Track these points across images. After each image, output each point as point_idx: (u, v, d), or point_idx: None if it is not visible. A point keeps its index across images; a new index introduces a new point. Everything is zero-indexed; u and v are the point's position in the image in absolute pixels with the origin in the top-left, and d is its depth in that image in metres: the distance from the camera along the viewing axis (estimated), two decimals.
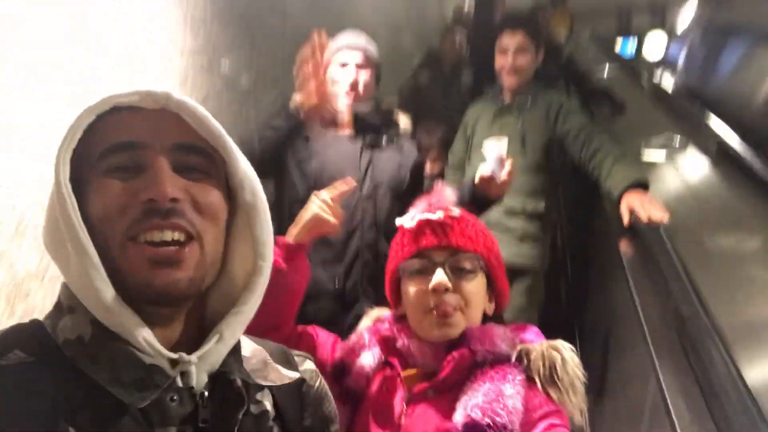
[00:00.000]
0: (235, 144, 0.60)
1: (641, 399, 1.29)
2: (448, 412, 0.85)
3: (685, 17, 5.48)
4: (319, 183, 1.47)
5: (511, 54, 2.03)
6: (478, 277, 0.94)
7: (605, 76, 3.93)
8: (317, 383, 0.72)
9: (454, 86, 3.70)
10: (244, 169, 0.60)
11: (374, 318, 1.09)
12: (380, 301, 1.27)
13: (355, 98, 1.67)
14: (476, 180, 1.52)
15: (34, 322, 0.56)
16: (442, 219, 0.95)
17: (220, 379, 0.57)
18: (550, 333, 0.95)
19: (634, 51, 5.97)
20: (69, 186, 0.52)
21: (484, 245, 0.96)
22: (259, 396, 0.62)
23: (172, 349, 0.54)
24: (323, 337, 1.07)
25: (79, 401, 0.49)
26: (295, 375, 0.65)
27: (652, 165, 2.15)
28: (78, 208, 0.53)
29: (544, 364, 0.84)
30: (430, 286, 0.90)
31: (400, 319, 1.01)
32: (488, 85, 2.34)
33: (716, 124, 2.24)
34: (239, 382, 0.59)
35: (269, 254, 0.62)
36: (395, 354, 0.97)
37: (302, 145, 1.63)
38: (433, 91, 3.62)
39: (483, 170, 1.48)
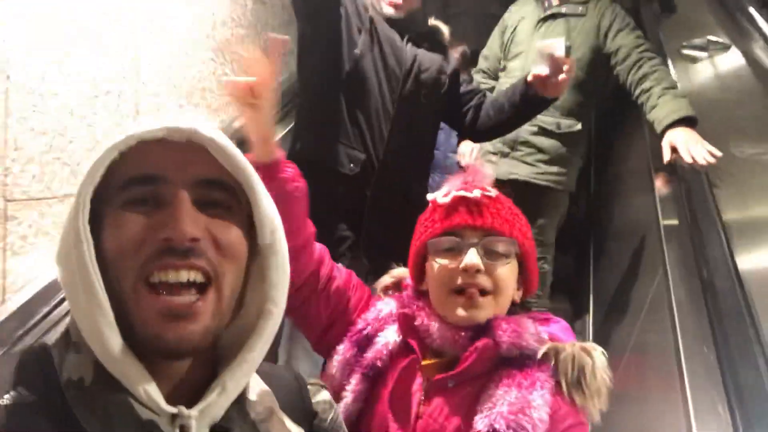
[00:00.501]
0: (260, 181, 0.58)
1: (644, 293, 1.41)
2: (468, 408, 0.83)
3: None
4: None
5: None
6: (510, 263, 0.90)
7: None
8: (330, 416, 0.69)
9: None
10: (267, 207, 0.58)
11: (396, 278, 1.05)
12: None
13: (401, 1, 1.60)
14: (529, 78, 1.48)
15: (46, 351, 0.54)
16: (479, 198, 0.90)
17: None
18: (565, 247, 0.98)
19: None
20: (87, 227, 0.51)
21: (520, 230, 0.92)
22: None
23: (175, 395, 0.52)
24: (357, 285, 1.05)
25: None
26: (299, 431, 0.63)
27: (690, 65, 2.06)
28: (93, 241, 0.51)
29: (572, 367, 0.81)
30: (462, 265, 0.86)
31: (421, 296, 0.97)
32: None
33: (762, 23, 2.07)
34: None
35: (282, 299, 0.59)
36: (413, 334, 0.92)
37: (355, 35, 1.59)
38: None
39: (538, 69, 1.43)
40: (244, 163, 0.55)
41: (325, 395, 0.70)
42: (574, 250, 2.61)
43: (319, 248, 1.03)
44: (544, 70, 1.42)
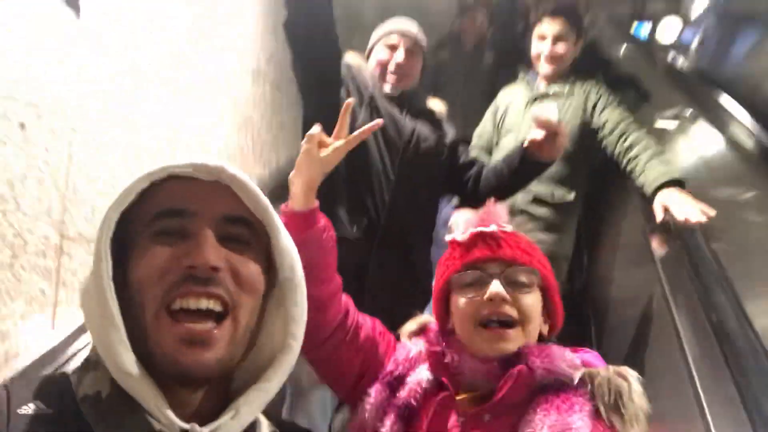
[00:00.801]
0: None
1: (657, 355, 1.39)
2: None
3: (699, 4, 5.53)
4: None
5: (550, 41, 2.03)
6: (534, 292, 0.92)
7: (621, 55, 3.96)
8: None
9: (476, 67, 3.71)
10: (286, 244, 0.61)
11: (420, 324, 1.05)
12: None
13: (399, 80, 1.76)
14: (525, 143, 1.59)
15: (64, 376, 0.57)
16: (496, 232, 0.94)
17: None
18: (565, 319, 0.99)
19: (648, 34, 5.98)
20: (108, 245, 0.54)
21: (540, 261, 0.95)
22: None
23: (190, 418, 0.54)
24: (383, 332, 1.07)
25: None
26: None
27: (664, 134, 2.25)
28: (122, 271, 0.55)
29: (609, 392, 0.81)
30: (486, 295, 0.88)
31: (448, 334, 0.98)
32: (511, 68, 2.35)
33: (727, 101, 2.30)
34: None
35: (300, 333, 0.62)
36: (444, 371, 0.92)
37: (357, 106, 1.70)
38: (453, 72, 3.63)
39: (534, 134, 1.54)
40: (265, 202, 0.59)
41: None
42: (574, 320, 2.63)
43: (345, 298, 1.05)
44: (539, 133, 1.55)
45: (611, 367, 0.86)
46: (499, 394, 0.84)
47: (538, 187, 2.05)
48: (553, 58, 2.04)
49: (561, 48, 2.03)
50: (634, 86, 2.93)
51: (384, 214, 1.69)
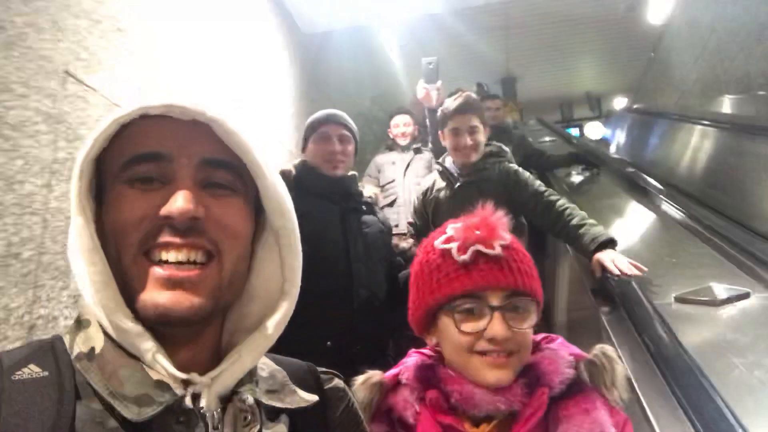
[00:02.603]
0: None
1: None
2: None
3: (615, 106, 6.47)
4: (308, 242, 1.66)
5: (466, 133, 2.13)
6: (533, 318, 0.84)
7: (547, 141, 4.51)
8: (344, 404, 0.67)
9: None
10: (275, 187, 0.56)
11: (375, 387, 0.88)
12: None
13: (335, 167, 1.88)
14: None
15: (56, 337, 0.54)
16: (501, 253, 0.82)
17: (232, 399, 0.54)
18: None
19: (577, 134, 6.82)
20: (86, 197, 0.51)
21: (536, 277, 0.86)
22: (275, 419, 0.58)
23: (188, 368, 0.51)
24: None
25: (87, 419, 0.47)
26: (313, 398, 0.60)
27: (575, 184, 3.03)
28: (98, 218, 0.51)
29: (606, 374, 0.81)
30: (488, 335, 0.80)
31: (430, 368, 0.87)
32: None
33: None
34: (252, 402, 0.55)
35: (297, 279, 0.59)
36: (446, 413, 0.82)
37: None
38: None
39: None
40: (248, 144, 0.54)
41: (338, 383, 0.68)
42: None
43: None
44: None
45: (595, 351, 0.84)
46: (527, 425, 0.77)
47: None
48: (471, 148, 2.13)
49: (477, 137, 2.13)
50: (584, 161, 3.40)
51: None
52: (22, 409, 0.45)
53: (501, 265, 0.82)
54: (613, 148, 5.04)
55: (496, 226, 0.86)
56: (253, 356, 0.55)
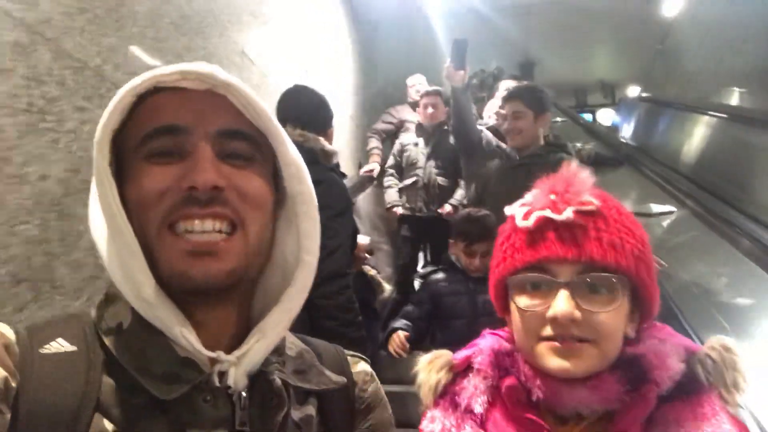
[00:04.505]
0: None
1: None
2: None
3: (628, 94, 6.96)
4: None
5: (510, 118, 2.28)
6: (617, 302, 0.67)
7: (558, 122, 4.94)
8: (370, 387, 0.65)
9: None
10: (293, 155, 0.56)
11: (444, 368, 0.76)
12: None
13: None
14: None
15: (85, 311, 0.54)
16: (572, 219, 0.68)
17: (260, 379, 0.53)
18: None
19: (590, 119, 7.38)
20: (108, 170, 0.50)
21: (632, 253, 0.68)
22: (303, 400, 0.58)
23: (214, 346, 0.51)
24: None
25: (113, 394, 0.48)
26: (340, 380, 0.59)
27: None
28: (118, 194, 0.50)
29: (727, 371, 0.68)
30: (549, 314, 0.67)
31: (513, 353, 0.75)
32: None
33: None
34: (279, 383, 0.54)
35: (315, 247, 0.58)
36: (526, 407, 0.70)
37: None
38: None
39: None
40: (265, 112, 0.53)
41: (365, 366, 0.67)
42: None
43: None
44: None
45: (713, 344, 0.70)
46: (630, 427, 0.66)
47: None
48: (513, 132, 2.26)
49: (519, 123, 2.23)
50: (610, 157, 3.71)
51: None
52: (50, 383, 0.46)
53: (574, 234, 0.68)
54: (625, 133, 5.52)
55: (573, 187, 0.72)
56: (277, 331, 0.55)
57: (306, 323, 1.36)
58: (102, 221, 0.50)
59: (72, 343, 0.49)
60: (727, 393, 0.66)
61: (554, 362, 0.67)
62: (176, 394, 0.47)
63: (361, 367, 0.66)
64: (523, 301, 0.70)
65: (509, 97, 2.30)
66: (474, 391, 0.73)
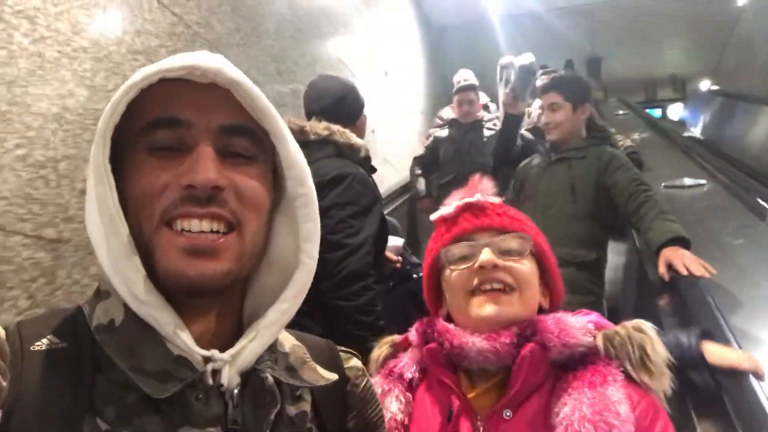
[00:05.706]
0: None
1: None
2: (542, 429, 0.73)
3: (700, 89, 6.83)
4: None
5: (547, 111, 2.20)
6: (528, 259, 0.83)
7: (641, 135, 4.54)
8: (363, 383, 0.66)
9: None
10: (294, 155, 0.55)
11: (387, 344, 0.93)
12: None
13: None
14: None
15: (76, 307, 0.53)
16: (482, 201, 0.87)
17: (252, 377, 0.53)
18: None
19: (660, 115, 7.34)
20: (108, 167, 0.49)
21: (531, 227, 0.88)
22: (296, 396, 0.57)
23: (208, 344, 0.51)
24: None
25: (106, 392, 0.47)
26: (332, 377, 0.59)
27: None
28: (116, 186, 0.49)
29: (633, 349, 0.74)
30: (477, 264, 0.80)
31: (434, 321, 0.86)
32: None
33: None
34: (272, 381, 0.53)
35: (315, 251, 0.57)
36: (442, 368, 0.81)
37: None
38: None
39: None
40: (269, 109, 0.52)
41: (356, 363, 0.68)
42: None
43: None
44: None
45: (626, 324, 0.79)
46: (515, 385, 0.74)
47: (558, 248, 1.71)
48: (552, 125, 2.19)
49: (557, 116, 2.16)
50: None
51: None
52: (40, 379, 0.46)
53: (485, 211, 0.86)
54: (693, 128, 5.40)
55: (482, 186, 0.91)
56: (272, 331, 0.54)
57: (320, 323, 1.33)
58: (98, 218, 0.50)
59: (62, 339, 0.49)
60: (633, 370, 0.73)
61: (485, 309, 0.79)
62: (169, 392, 0.47)
63: (354, 363, 0.67)
64: (454, 266, 0.84)
65: (545, 89, 2.23)
66: (407, 362, 0.86)
